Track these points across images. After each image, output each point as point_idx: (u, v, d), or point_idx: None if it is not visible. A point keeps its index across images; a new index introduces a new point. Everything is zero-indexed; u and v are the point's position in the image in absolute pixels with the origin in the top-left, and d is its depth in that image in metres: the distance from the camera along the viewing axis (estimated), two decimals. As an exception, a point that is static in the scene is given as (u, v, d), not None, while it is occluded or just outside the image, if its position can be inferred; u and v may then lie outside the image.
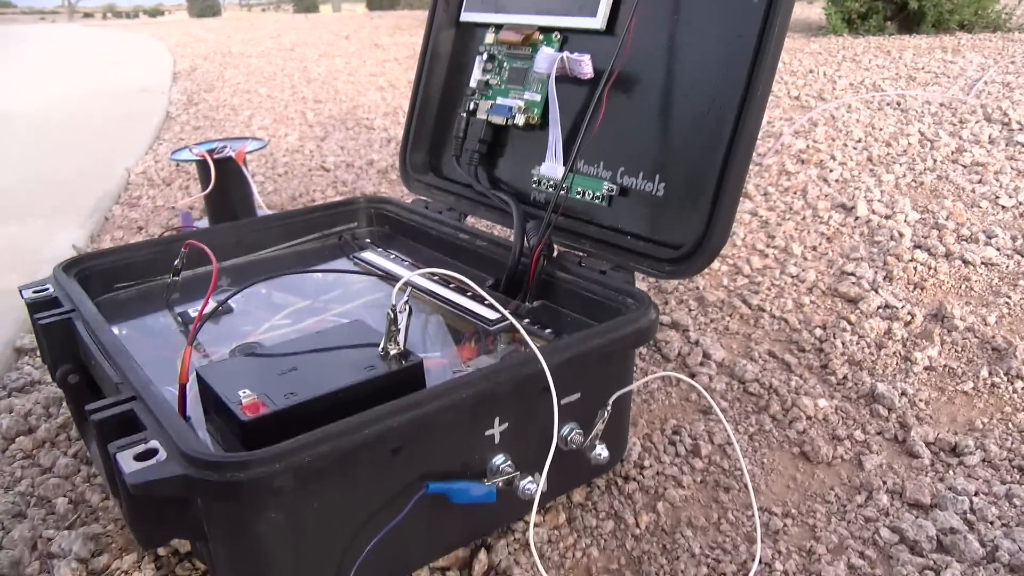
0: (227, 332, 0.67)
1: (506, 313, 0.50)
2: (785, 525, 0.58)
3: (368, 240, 0.85)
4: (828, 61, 2.85)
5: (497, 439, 0.51)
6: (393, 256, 0.79)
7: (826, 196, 1.34)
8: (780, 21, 0.57)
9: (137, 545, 0.58)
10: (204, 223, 1.21)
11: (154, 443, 0.43)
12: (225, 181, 1.14)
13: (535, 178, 0.76)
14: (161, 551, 0.57)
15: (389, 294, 0.73)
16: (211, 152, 1.15)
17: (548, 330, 0.62)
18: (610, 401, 0.53)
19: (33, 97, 3.07)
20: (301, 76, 3.32)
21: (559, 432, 0.53)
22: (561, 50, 0.74)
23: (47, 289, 0.64)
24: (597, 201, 0.69)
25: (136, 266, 0.73)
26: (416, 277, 0.52)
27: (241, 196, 1.19)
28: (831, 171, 1.48)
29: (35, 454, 0.70)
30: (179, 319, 0.69)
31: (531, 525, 0.47)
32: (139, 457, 0.42)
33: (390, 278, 0.74)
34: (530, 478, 0.51)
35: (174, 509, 0.45)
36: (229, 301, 0.69)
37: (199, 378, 0.50)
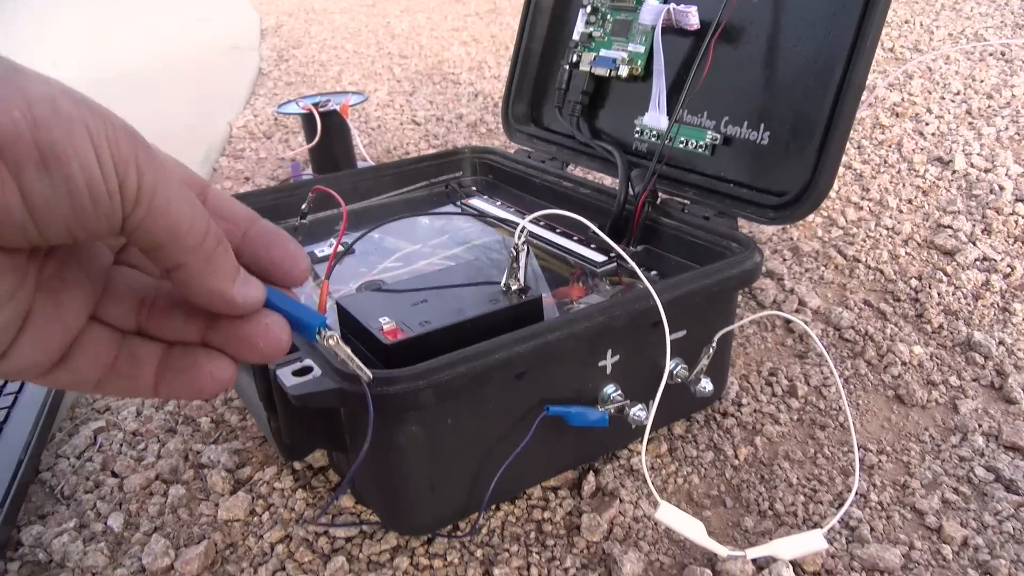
0: (346, 272, 0.72)
1: (620, 250, 0.53)
2: (880, 461, 0.61)
3: (474, 188, 0.89)
4: (926, 10, 2.74)
5: (609, 369, 0.55)
6: (499, 203, 0.83)
7: (922, 149, 1.31)
8: (892, -30, 0.58)
9: (276, 459, 0.64)
10: (309, 173, 1.27)
11: (309, 361, 0.49)
12: (329, 133, 1.20)
13: (637, 128, 0.78)
14: (297, 465, 0.63)
15: (496, 238, 0.77)
16: (316, 105, 1.20)
17: (653, 272, 0.66)
18: (715, 338, 0.56)
19: (133, 55, 3.20)
20: (385, 32, 3.36)
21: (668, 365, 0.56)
22: (666, 1, 0.75)
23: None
24: (700, 150, 0.71)
25: (264, 210, 0.78)
26: (535, 219, 0.56)
27: (343, 148, 1.24)
28: (927, 124, 1.45)
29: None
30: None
31: (644, 445, 0.51)
32: (297, 372, 0.48)
33: (499, 223, 0.78)
34: (640, 405, 0.55)
35: (321, 422, 0.51)
36: (357, 246, 0.74)
37: (340, 308, 0.55)
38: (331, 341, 0.32)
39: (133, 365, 0.28)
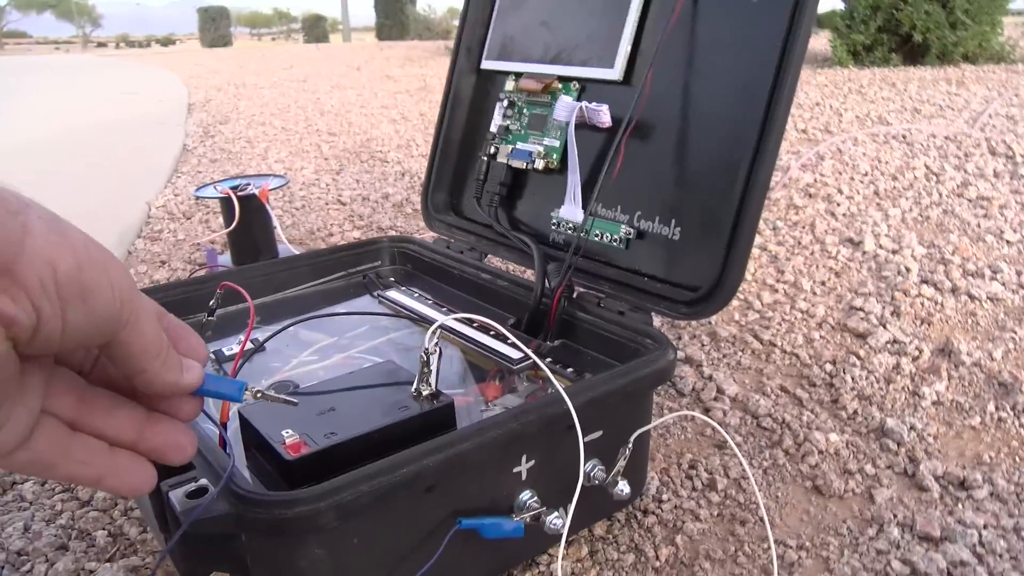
0: (257, 369, 0.70)
1: (534, 356, 0.53)
2: (800, 558, 0.61)
3: (392, 279, 0.88)
4: (835, 93, 2.89)
5: (524, 475, 0.54)
6: (417, 295, 0.82)
7: (834, 230, 1.36)
8: (791, 77, 0.61)
9: (175, 577, 0.60)
10: (227, 258, 1.24)
11: (204, 481, 0.46)
12: (248, 217, 1.18)
13: (554, 220, 0.79)
14: (199, 583, 0.59)
15: (412, 332, 0.76)
16: (235, 189, 1.19)
17: (570, 369, 0.65)
18: (632, 439, 0.56)
19: (51, 128, 3.13)
20: (315, 108, 3.38)
21: (585, 469, 0.55)
22: (580, 99, 0.77)
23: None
24: (615, 244, 0.72)
25: (173, 304, 0.75)
26: (448, 321, 0.55)
27: (263, 232, 1.22)
28: (838, 205, 1.51)
29: (74, 488, 0.72)
30: (212, 356, 0.72)
31: (559, 558, 0.50)
32: (191, 495, 0.45)
33: (417, 319, 0.77)
34: (556, 513, 0.53)
35: (219, 544, 0.48)
36: (260, 339, 0.71)
37: (242, 418, 0.53)
38: (259, 396, 0.40)
39: (87, 453, 0.33)
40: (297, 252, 1.27)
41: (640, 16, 0.73)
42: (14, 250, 0.27)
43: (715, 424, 0.55)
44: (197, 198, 1.22)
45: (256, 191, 1.18)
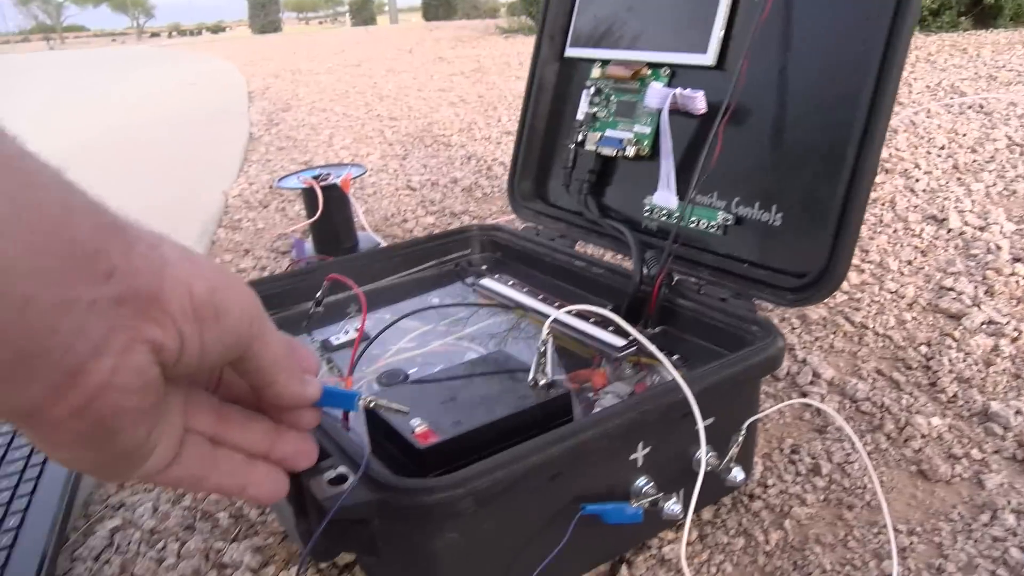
0: (361, 357, 0.72)
1: (654, 350, 0.53)
2: (911, 543, 0.61)
3: (484, 267, 0.90)
4: (902, 63, 2.81)
5: (640, 462, 0.55)
6: (512, 283, 0.83)
7: (915, 207, 1.34)
8: (900, 53, 0.60)
9: (298, 557, 0.63)
10: (308, 246, 1.27)
11: (343, 468, 0.48)
12: (329, 207, 1.20)
13: (647, 207, 0.79)
14: (322, 564, 0.62)
15: (509, 319, 0.78)
16: (317, 179, 1.21)
17: (675, 356, 0.66)
18: (744, 426, 0.56)
19: (120, 121, 3.22)
20: (372, 93, 3.41)
21: (698, 456, 0.56)
22: (669, 85, 0.77)
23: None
24: (712, 230, 0.72)
25: (276, 296, 0.78)
26: (556, 317, 0.56)
27: (343, 220, 1.25)
28: (917, 180, 1.47)
29: (190, 472, 0.76)
30: (320, 345, 0.75)
31: (683, 542, 0.51)
32: (332, 482, 0.47)
33: (518, 307, 0.78)
34: (673, 498, 0.54)
35: (350, 527, 0.50)
36: (368, 330, 0.74)
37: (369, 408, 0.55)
38: (372, 404, 0.44)
39: (231, 465, 0.36)
40: (378, 239, 1.30)
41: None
42: (159, 280, 0.28)
43: (833, 414, 0.55)
44: (280, 188, 1.25)
45: (338, 181, 1.20)
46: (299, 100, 3.41)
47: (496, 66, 4.07)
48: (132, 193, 1.74)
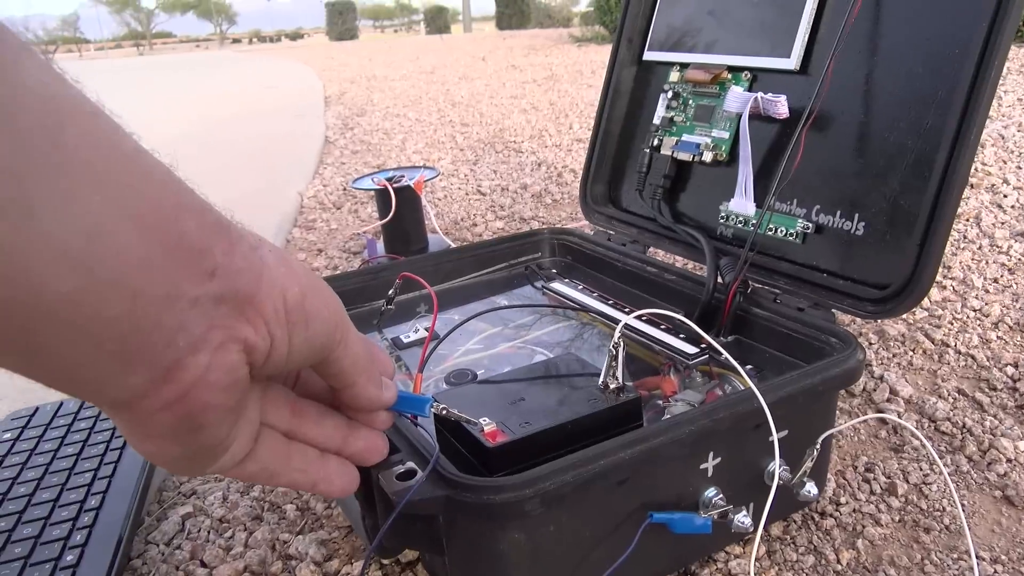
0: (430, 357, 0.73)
1: (729, 357, 0.52)
2: (996, 571, 0.58)
3: (554, 271, 0.89)
4: (991, 75, 2.70)
5: (710, 472, 0.54)
6: (582, 287, 0.83)
7: (1003, 224, 1.28)
8: (998, 60, 0.57)
9: (363, 552, 0.64)
10: (381, 246, 1.29)
11: (411, 464, 0.48)
12: (402, 209, 1.22)
13: (722, 213, 0.78)
14: (385, 560, 0.62)
15: (577, 323, 0.77)
16: (390, 180, 1.23)
17: (748, 366, 0.64)
18: (819, 440, 0.55)
19: (203, 121, 3.33)
20: (445, 99, 3.44)
21: (770, 468, 0.55)
22: (751, 89, 0.76)
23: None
24: (790, 238, 0.70)
25: (350, 293, 0.79)
26: (631, 319, 0.55)
27: (414, 222, 1.27)
28: (1005, 196, 1.42)
29: (260, 462, 0.77)
30: (390, 342, 0.75)
31: (752, 557, 0.49)
32: (401, 476, 0.47)
33: (586, 311, 0.78)
34: (743, 511, 0.53)
35: (418, 524, 0.50)
36: (437, 329, 0.74)
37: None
38: (443, 411, 0.46)
39: (304, 461, 0.36)
40: (448, 241, 1.31)
41: (818, 2, 0.71)
42: (256, 282, 0.29)
43: (913, 430, 0.53)
44: (354, 189, 1.28)
45: (411, 183, 1.21)
46: (374, 105, 3.47)
47: (568, 74, 4.07)
48: (211, 188, 1.78)
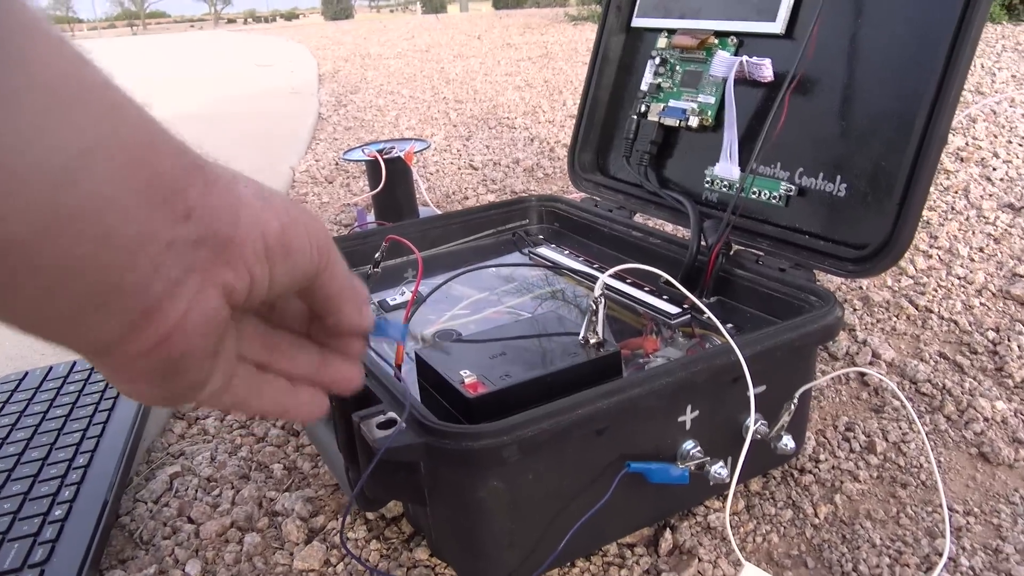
0: (416, 319, 0.73)
1: (706, 310, 0.53)
2: (968, 523, 0.59)
3: (541, 237, 0.90)
4: (986, 52, 2.70)
5: (688, 425, 0.55)
6: (567, 252, 0.83)
7: (991, 195, 1.29)
8: (976, 24, 0.58)
9: (349, 508, 0.64)
10: (372, 219, 1.29)
11: (392, 414, 0.49)
12: (393, 180, 1.22)
13: (707, 178, 0.78)
14: (370, 515, 0.63)
15: (563, 287, 0.78)
16: (381, 152, 1.23)
17: (729, 324, 0.65)
18: (797, 394, 0.56)
19: (198, 99, 3.32)
20: (440, 77, 3.43)
21: (747, 422, 0.55)
22: (737, 54, 0.76)
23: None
24: (774, 201, 0.71)
25: (337, 258, 0.80)
26: (611, 273, 0.56)
27: (405, 193, 1.27)
28: (994, 169, 1.42)
29: (249, 425, 0.78)
30: (376, 305, 0.76)
31: (728, 506, 0.50)
32: (382, 426, 0.48)
33: (568, 273, 0.79)
34: (720, 463, 0.54)
35: (400, 474, 0.51)
36: (422, 291, 0.75)
37: (419, 360, 0.56)
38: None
39: (275, 392, 0.36)
40: (438, 213, 1.31)
41: (803, -33, 0.71)
42: (234, 222, 0.28)
43: (887, 381, 0.54)
44: (345, 160, 1.28)
45: (401, 154, 1.22)
46: (367, 83, 3.46)
47: (564, 52, 4.05)
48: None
